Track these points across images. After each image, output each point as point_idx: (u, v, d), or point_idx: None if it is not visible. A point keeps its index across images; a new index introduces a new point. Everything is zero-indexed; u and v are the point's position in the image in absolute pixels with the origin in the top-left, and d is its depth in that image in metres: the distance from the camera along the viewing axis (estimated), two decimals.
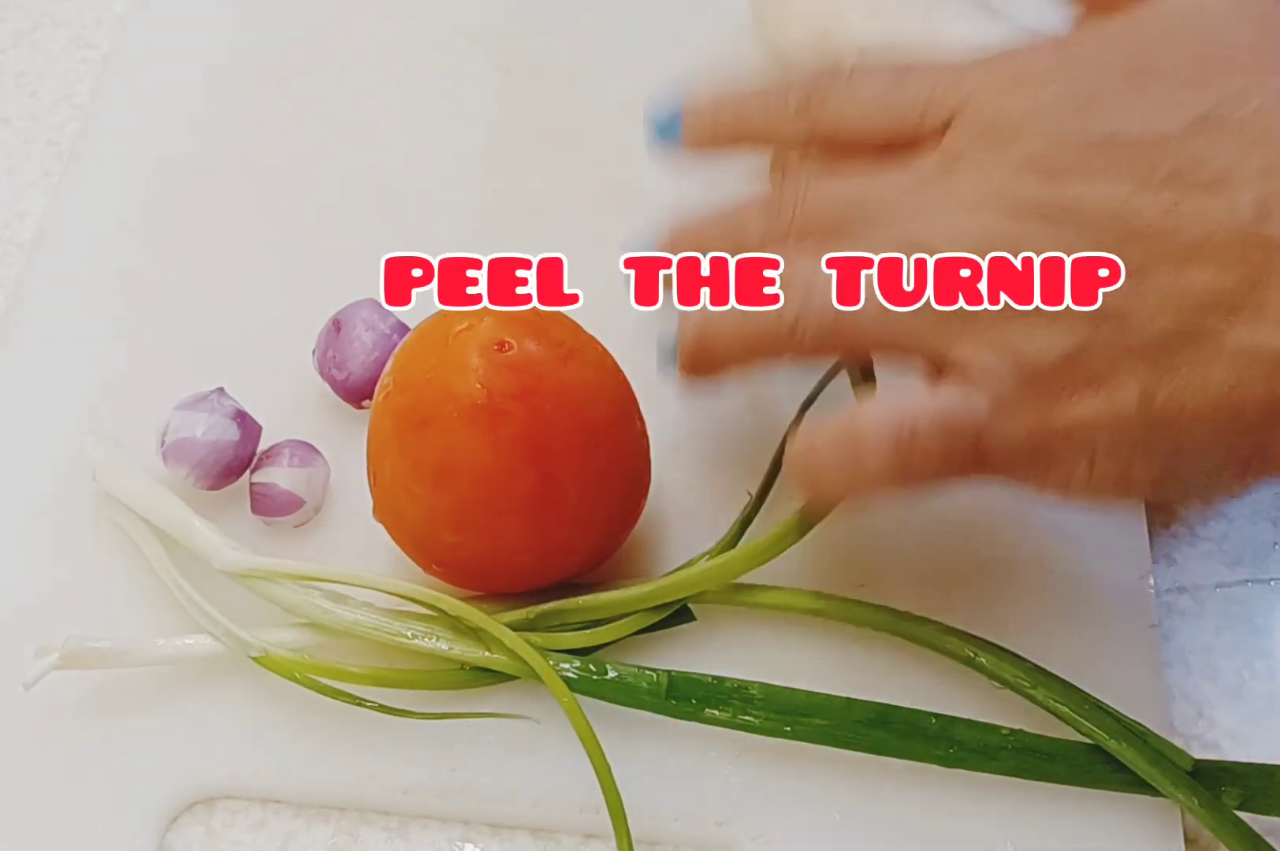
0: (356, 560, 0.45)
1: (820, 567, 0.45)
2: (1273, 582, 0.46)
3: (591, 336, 0.41)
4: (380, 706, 0.40)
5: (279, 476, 0.45)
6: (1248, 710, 0.44)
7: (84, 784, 0.42)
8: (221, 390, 0.46)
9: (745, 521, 0.43)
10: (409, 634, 0.41)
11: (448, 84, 0.58)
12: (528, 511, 0.39)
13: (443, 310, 0.41)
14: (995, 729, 0.41)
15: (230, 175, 0.55)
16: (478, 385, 0.38)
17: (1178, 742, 0.42)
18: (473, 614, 0.40)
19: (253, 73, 0.58)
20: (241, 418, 0.45)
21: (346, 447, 0.47)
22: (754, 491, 0.43)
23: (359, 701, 0.40)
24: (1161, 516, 0.47)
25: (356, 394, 0.47)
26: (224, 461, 0.45)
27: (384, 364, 0.46)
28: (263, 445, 0.46)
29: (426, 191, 0.55)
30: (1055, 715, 0.40)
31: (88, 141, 0.57)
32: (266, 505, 0.45)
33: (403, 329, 0.47)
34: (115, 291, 0.52)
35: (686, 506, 0.46)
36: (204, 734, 0.43)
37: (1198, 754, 0.42)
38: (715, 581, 0.41)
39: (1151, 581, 0.45)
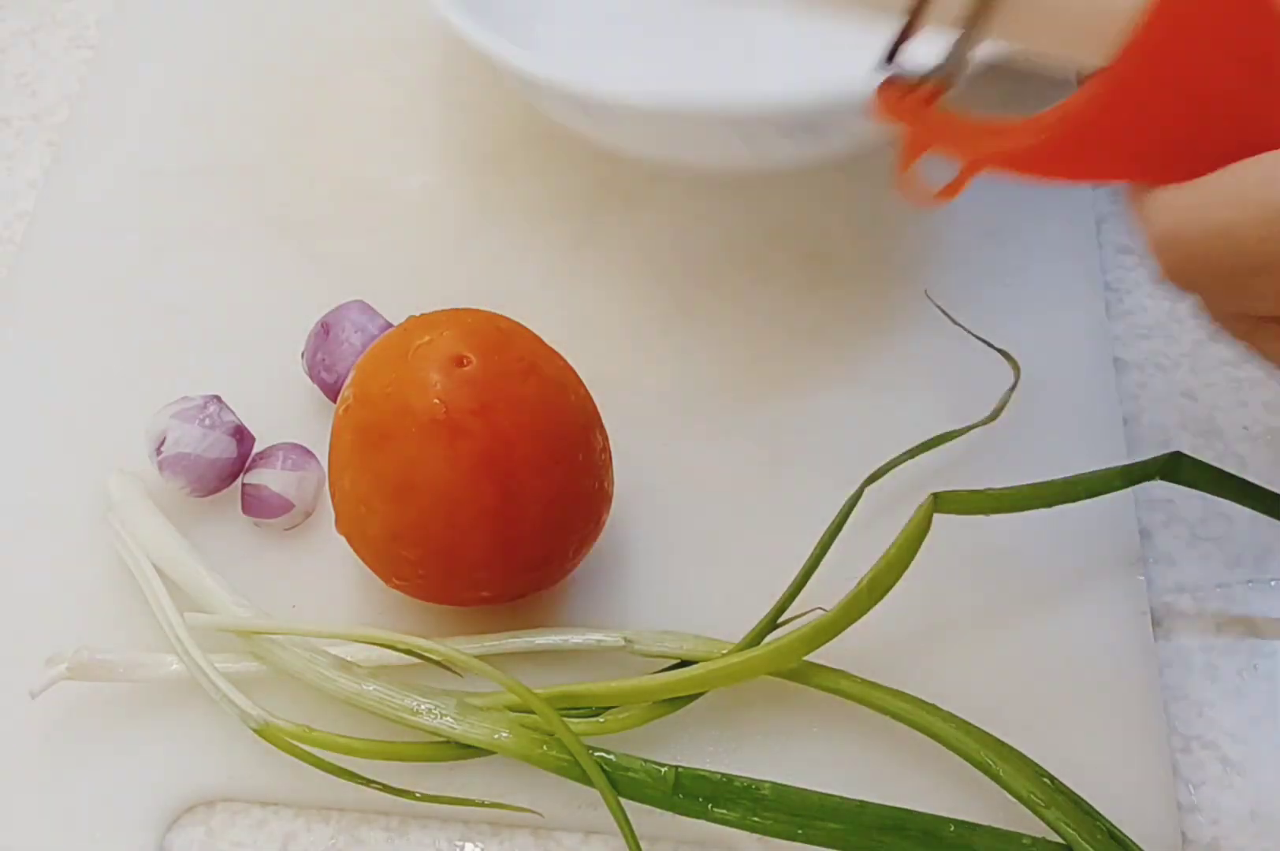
0: (343, 566, 0.45)
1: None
2: (1273, 582, 0.45)
3: (553, 350, 0.41)
4: (384, 786, 0.40)
5: (270, 479, 0.45)
6: (1248, 710, 0.43)
7: (84, 785, 0.43)
8: (219, 400, 0.46)
9: (772, 621, 0.41)
10: (414, 709, 0.40)
11: (441, 83, 0.57)
12: (488, 527, 0.38)
13: (404, 323, 0.41)
14: (1015, 838, 0.39)
15: (219, 177, 0.55)
16: (436, 401, 0.37)
17: (1176, 743, 0.42)
18: (523, 691, 0.39)
19: (242, 75, 0.58)
20: (239, 434, 0.46)
21: None
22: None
23: (365, 781, 0.40)
24: (1161, 516, 0.46)
25: None
26: (221, 475, 0.45)
27: None
28: (256, 447, 0.47)
29: (418, 191, 0.55)
30: (1063, 838, 0.38)
31: (75, 142, 0.57)
32: (256, 506, 0.45)
33: (390, 329, 0.47)
34: (104, 293, 0.53)
35: (648, 519, 0.46)
36: (204, 735, 0.43)
37: (1196, 753, 0.42)
38: (736, 679, 0.40)
39: (1149, 581, 0.44)
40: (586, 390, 0.41)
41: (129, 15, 0.61)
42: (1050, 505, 0.41)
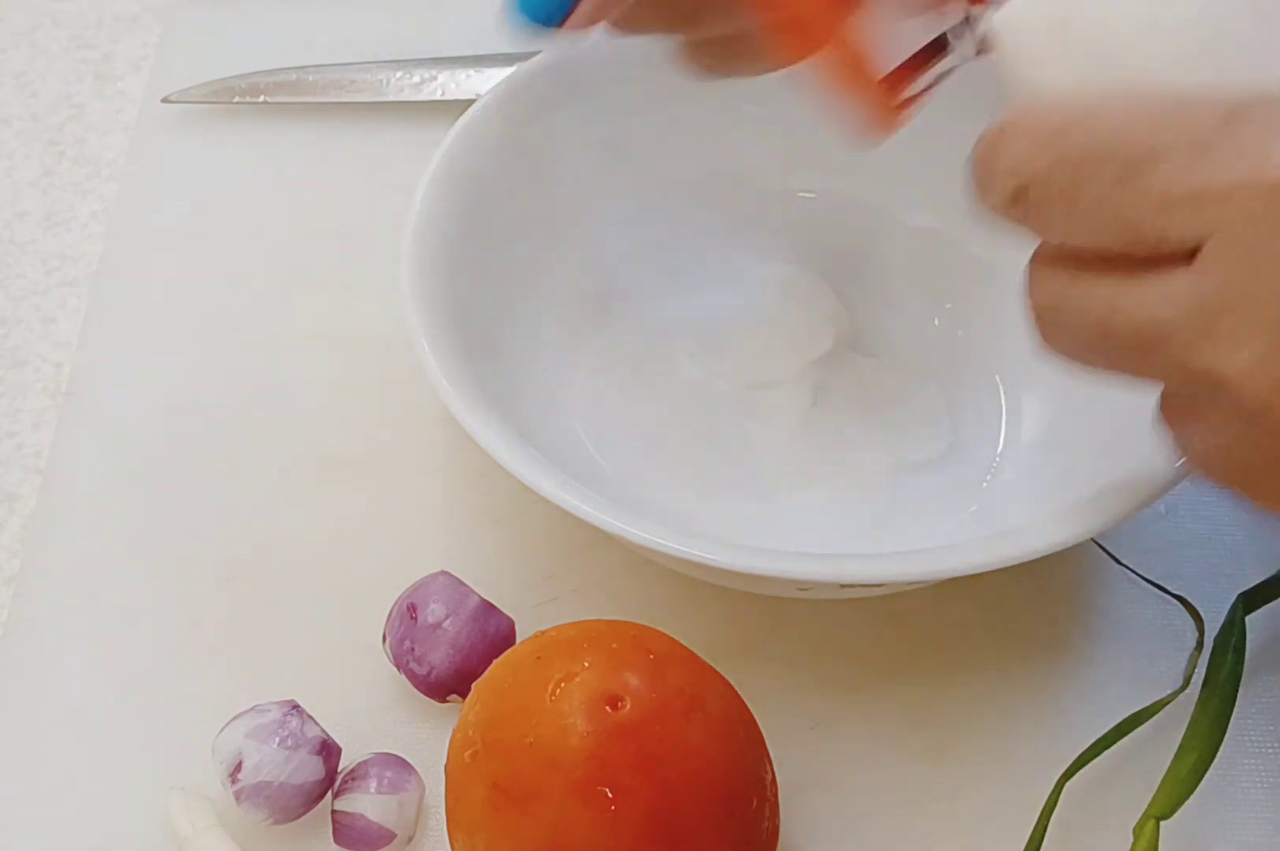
0: None
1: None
2: None
3: (711, 670, 0.35)
4: None
5: (365, 805, 0.38)
6: None
7: None
8: (298, 709, 0.39)
9: None
10: None
11: None
12: None
13: (532, 645, 0.35)
14: None
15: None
16: (589, 756, 0.32)
17: None
18: None
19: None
20: (325, 749, 0.39)
21: (431, 747, 0.41)
22: None
23: None
24: None
25: (441, 689, 0.41)
26: (307, 800, 0.39)
27: (470, 654, 0.41)
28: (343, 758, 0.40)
29: None
30: None
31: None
32: (351, 838, 0.39)
33: (487, 610, 0.41)
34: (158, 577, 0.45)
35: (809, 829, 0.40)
36: None
37: None
38: None
39: None
40: (752, 715, 0.35)
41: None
42: None
